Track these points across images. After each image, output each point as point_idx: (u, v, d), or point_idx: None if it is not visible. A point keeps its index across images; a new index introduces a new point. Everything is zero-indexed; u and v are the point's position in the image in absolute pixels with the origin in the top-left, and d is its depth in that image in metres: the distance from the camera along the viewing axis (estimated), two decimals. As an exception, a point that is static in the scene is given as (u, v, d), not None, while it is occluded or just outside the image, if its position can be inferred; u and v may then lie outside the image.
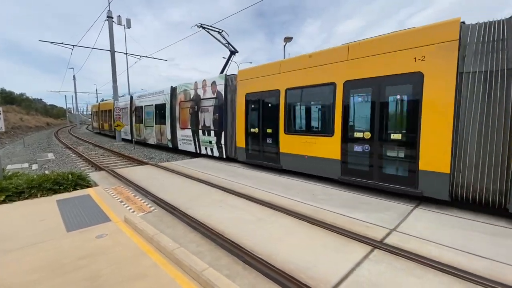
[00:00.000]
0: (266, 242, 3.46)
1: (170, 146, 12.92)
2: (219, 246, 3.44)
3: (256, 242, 3.43)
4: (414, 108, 4.86)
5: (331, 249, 3.26)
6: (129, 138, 17.50)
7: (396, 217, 4.24)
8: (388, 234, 3.64)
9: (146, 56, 22.99)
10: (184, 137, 11.85)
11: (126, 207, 4.95)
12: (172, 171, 8.01)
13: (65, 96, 68.85)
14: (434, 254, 3.09)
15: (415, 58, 4.74)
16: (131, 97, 17.09)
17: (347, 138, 5.86)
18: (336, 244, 3.40)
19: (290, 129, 7.24)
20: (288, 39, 17.56)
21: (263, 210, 4.66)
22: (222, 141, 9.71)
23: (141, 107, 15.61)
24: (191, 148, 11.50)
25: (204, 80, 10.42)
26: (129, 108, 17.35)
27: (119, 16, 20.64)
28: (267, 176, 7.32)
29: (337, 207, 4.72)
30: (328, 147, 6.18)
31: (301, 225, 4.01)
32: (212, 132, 10.15)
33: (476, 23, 4.26)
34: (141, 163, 10.38)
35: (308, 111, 7.10)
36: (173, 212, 4.61)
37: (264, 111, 7.94)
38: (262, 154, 8.11)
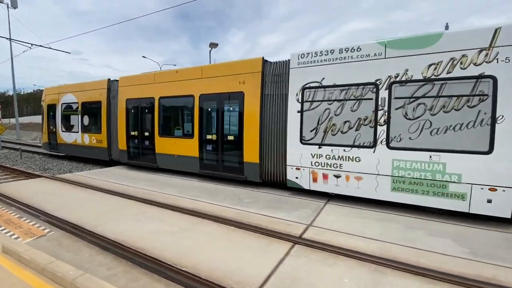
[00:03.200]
0: (191, 252, 3.29)
1: None
2: (137, 265, 3.06)
3: (179, 255, 3.21)
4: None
5: (256, 251, 3.35)
6: None
7: (311, 213, 4.72)
8: (305, 230, 4.00)
9: (40, 46, 18.95)
10: None
11: (6, 233, 3.87)
12: (77, 183, 6.76)
13: None
14: (342, 242, 3.56)
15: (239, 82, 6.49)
16: None
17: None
18: (260, 245, 3.51)
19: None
20: (213, 45, 17.59)
21: (188, 219, 4.42)
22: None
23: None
24: None
25: None
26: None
27: (-2, -9, 16.38)
28: (192, 183, 7.03)
29: (262, 209, 4.92)
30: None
31: (227, 231, 3.98)
32: None
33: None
34: (31, 176, 8.37)
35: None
36: (76, 233, 3.85)
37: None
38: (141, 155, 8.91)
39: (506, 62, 3.98)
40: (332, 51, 5.27)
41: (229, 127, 6.94)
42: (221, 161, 7.04)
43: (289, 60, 5.82)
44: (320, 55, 5.39)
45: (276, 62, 6.21)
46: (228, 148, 6.97)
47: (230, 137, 6.86)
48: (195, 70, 7.39)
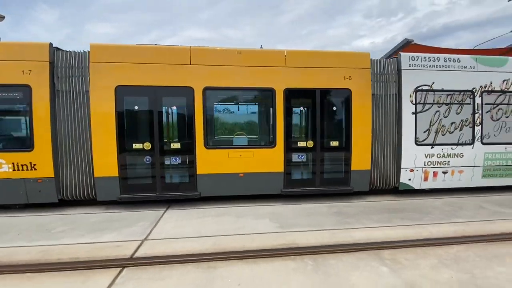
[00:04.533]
0: None
1: None
2: None
3: None
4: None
5: (65, 296, 2.55)
6: None
7: (148, 225, 4.30)
8: (139, 246, 3.55)
9: None
10: None
11: None
12: None
13: None
14: (179, 248, 3.44)
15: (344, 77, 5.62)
16: None
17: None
18: (73, 285, 2.72)
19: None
20: (-2, 18, 12.41)
21: None
22: None
23: None
24: None
25: None
26: None
27: None
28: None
29: (82, 236, 3.92)
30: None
31: (20, 282, 2.80)
32: None
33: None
34: None
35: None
36: None
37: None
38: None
39: None
40: (438, 59, 5.86)
41: (332, 131, 6.01)
42: (320, 173, 5.78)
43: (399, 60, 5.78)
44: (429, 61, 5.81)
45: (380, 60, 5.95)
46: (330, 157, 5.90)
47: (334, 143, 5.82)
48: (275, 55, 5.50)
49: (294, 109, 5.97)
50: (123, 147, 5.18)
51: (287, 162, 5.65)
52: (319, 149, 5.76)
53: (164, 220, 4.52)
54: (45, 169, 4.97)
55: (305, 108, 6.24)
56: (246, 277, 2.79)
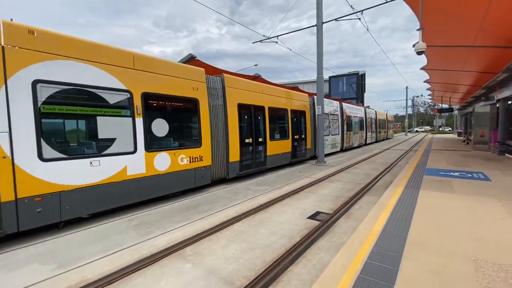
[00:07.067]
0: None
1: None
2: None
3: None
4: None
5: None
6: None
7: None
8: None
9: None
10: None
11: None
12: None
13: None
14: None
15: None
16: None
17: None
18: None
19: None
20: None
21: None
22: None
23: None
24: None
25: None
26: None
27: None
28: None
29: None
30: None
31: None
32: None
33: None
34: None
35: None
36: None
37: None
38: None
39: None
40: (330, 102, 14.96)
41: (302, 130, 12.02)
42: (299, 151, 11.79)
43: (313, 99, 12.89)
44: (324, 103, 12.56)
45: (309, 98, 13.01)
46: (301, 142, 11.91)
47: (303, 136, 12.03)
48: (288, 92, 11.32)
49: (293, 118, 11.31)
50: (241, 142, 8.41)
51: (293, 146, 11.24)
52: (299, 139, 11.74)
53: None
54: (207, 159, 7.16)
55: (296, 119, 11.52)
56: None
